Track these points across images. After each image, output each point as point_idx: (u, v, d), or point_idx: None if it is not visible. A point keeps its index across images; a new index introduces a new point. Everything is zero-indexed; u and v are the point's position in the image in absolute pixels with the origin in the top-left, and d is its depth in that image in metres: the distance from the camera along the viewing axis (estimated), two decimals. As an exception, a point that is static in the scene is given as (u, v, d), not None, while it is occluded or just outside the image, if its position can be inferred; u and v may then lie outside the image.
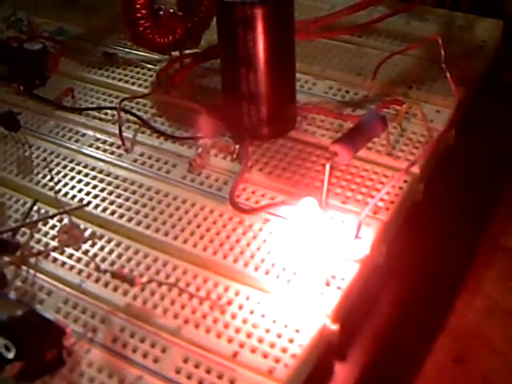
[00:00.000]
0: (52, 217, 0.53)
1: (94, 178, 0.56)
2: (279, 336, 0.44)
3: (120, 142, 0.59)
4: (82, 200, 0.54)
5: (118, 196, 0.54)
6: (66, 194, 0.55)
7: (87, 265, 0.49)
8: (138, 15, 0.63)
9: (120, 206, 0.54)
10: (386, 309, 0.49)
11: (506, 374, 0.45)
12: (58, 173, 0.57)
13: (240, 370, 0.43)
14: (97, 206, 0.54)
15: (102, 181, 0.56)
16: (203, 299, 0.46)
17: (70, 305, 0.47)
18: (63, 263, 0.50)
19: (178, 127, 0.61)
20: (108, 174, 0.57)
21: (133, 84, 0.66)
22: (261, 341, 0.44)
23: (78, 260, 0.50)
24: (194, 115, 0.61)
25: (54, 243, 0.51)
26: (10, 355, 0.41)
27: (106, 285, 0.48)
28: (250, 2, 0.53)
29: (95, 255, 0.50)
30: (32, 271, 0.49)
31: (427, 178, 0.56)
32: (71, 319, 0.46)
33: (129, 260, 0.50)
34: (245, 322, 0.45)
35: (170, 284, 0.47)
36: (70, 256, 0.50)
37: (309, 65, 0.66)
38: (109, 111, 0.63)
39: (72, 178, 0.56)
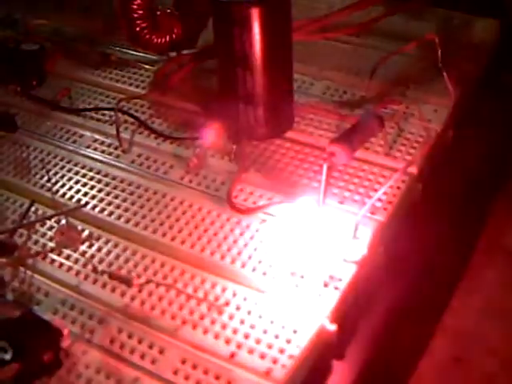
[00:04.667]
0: (49, 218, 0.53)
1: (91, 178, 0.56)
2: (277, 337, 0.44)
3: (117, 143, 0.59)
4: (79, 201, 0.54)
5: (116, 197, 0.54)
6: (63, 195, 0.55)
7: (85, 266, 0.49)
8: (135, 16, 0.63)
9: (118, 207, 0.53)
10: (383, 309, 0.49)
11: (504, 373, 0.45)
12: (56, 174, 0.57)
13: (238, 370, 0.43)
14: (94, 206, 0.54)
15: (99, 182, 0.56)
16: (201, 300, 0.46)
17: (67, 306, 0.47)
18: (61, 264, 0.50)
19: (176, 128, 0.60)
20: (105, 175, 0.56)
21: (130, 85, 0.66)
22: (258, 341, 0.44)
23: (76, 261, 0.50)
24: (192, 116, 0.60)
25: (51, 244, 0.51)
26: (7, 357, 0.41)
27: (104, 286, 0.48)
28: (247, 1, 0.53)
29: (93, 256, 0.50)
30: (29, 272, 0.49)
31: (425, 178, 0.56)
32: (69, 320, 0.46)
33: (126, 261, 0.49)
34: (242, 322, 0.45)
35: (167, 285, 0.47)
36: (68, 257, 0.50)
37: (306, 65, 0.65)
38: (106, 112, 0.63)
39: (69, 179, 0.56)
